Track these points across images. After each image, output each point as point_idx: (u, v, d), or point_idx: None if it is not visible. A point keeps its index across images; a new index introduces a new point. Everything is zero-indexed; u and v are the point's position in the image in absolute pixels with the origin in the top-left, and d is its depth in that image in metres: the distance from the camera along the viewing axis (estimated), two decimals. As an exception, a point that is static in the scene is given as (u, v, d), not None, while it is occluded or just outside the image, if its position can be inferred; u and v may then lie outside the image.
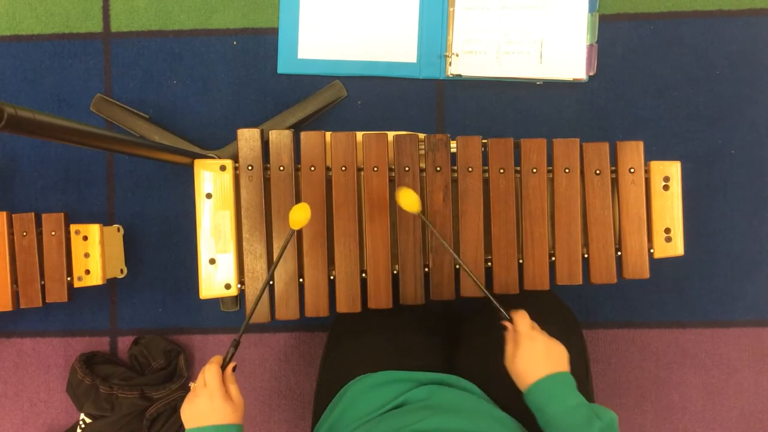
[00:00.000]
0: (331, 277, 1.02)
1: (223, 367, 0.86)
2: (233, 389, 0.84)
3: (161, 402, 1.29)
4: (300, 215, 0.90)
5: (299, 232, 1.01)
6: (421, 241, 1.01)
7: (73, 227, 1.19)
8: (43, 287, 1.19)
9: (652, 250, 1.02)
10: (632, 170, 1.01)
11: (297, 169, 1.02)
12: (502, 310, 0.90)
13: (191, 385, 0.85)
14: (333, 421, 0.91)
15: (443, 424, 0.78)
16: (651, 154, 1.31)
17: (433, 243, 1.01)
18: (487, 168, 1.02)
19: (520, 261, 1.02)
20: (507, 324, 0.89)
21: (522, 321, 0.88)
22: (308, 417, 1.36)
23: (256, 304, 0.91)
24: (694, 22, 1.34)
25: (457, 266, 1.02)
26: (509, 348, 0.87)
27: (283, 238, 1.01)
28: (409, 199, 0.93)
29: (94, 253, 1.18)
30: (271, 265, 1.02)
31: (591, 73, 1.33)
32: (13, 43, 1.39)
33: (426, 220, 0.97)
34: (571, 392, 0.82)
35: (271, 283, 1.02)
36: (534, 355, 0.84)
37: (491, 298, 0.91)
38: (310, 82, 1.36)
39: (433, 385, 0.90)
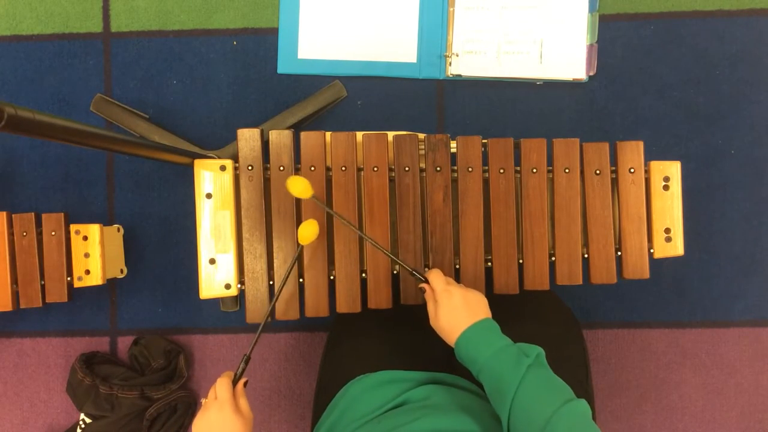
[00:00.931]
0: (331, 277, 1.02)
1: (235, 382, 0.87)
2: (243, 403, 0.85)
3: (161, 402, 1.29)
4: (309, 231, 0.93)
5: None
6: (422, 241, 1.01)
7: (73, 227, 1.19)
8: (43, 287, 1.19)
9: (652, 250, 1.02)
10: (632, 170, 1.01)
11: (297, 169, 1.02)
12: (416, 273, 0.92)
13: (203, 400, 0.86)
14: (333, 421, 0.91)
15: (435, 425, 0.78)
16: (651, 154, 1.30)
17: (433, 243, 1.01)
18: (487, 168, 1.02)
19: (520, 261, 1.02)
20: (425, 286, 0.91)
21: (437, 279, 0.89)
22: (308, 417, 1.36)
23: (265, 322, 0.93)
24: (694, 22, 1.34)
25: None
26: (430, 308, 0.88)
27: (283, 238, 1.01)
28: (299, 186, 0.94)
29: (94, 253, 1.18)
30: (270, 265, 1.02)
31: (591, 73, 1.33)
32: (13, 43, 1.39)
33: (319, 201, 0.98)
34: (496, 336, 0.83)
35: (271, 283, 1.02)
36: (453, 308, 0.85)
37: (403, 264, 0.93)
38: (310, 82, 1.36)
39: (433, 384, 0.90)
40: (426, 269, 1.00)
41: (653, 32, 1.34)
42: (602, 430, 0.79)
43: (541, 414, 0.72)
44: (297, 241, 0.97)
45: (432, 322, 0.88)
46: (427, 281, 0.91)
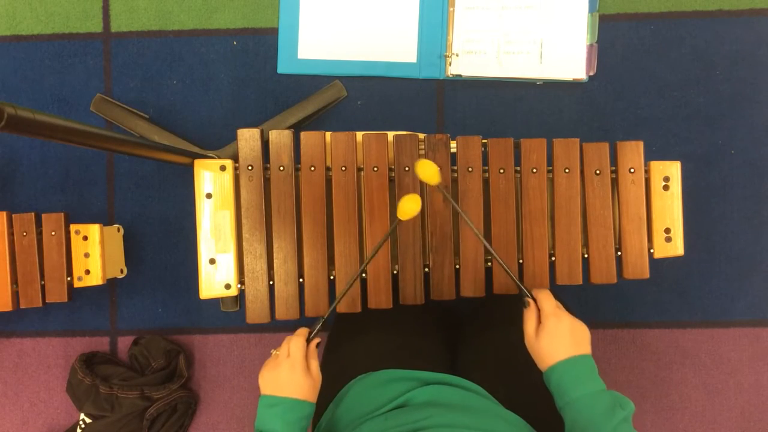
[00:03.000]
0: (331, 277, 1.02)
1: (308, 341, 0.85)
2: (314, 365, 0.84)
3: (161, 402, 1.29)
4: (411, 206, 0.88)
5: (299, 232, 1.02)
6: (421, 241, 1.01)
7: (73, 227, 1.19)
8: (43, 287, 1.19)
9: (652, 250, 1.02)
10: (632, 170, 1.01)
11: (297, 169, 1.02)
12: (524, 288, 0.88)
13: (273, 351, 0.85)
14: (334, 420, 0.91)
15: (452, 421, 0.78)
16: (651, 154, 1.31)
17: (433, 243, 1.01)
18: (487, 168, 1.01)
19: (520, 261, 1.02)
20: (531, 302, 0.87)
21: (547, 300, 0.85)
22: (308, 417, 1.36)
23: (351, 285, 0.92)
24: (694, 22, 1.34)
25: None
26: (529, 326, 0.85)
27: (283, 238, 1.01)
28: (428, 171, 0.90)
29: (94, 253, 1.18)
30: (270, 264, 1.02)
31: (591, 73, 1.33)
32: (13, 43, 1.39)
33: (445, 192, 0.96)
34: (595, 377, 0.81)
35: (271, 283, 1.02)
36: (559, 334, 0.82)
37: (513, 277, 0.90)
38: (310, 82, 1.36)
39: (437, 384, 0.90)
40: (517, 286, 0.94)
41: (653, 32, 1.34)
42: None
43: None
44: (396, 216, 0.91)
45: (528, 341, 0.85)
46: (533, 298, 0.87)
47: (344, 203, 1.01)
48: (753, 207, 1.34)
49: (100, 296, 1.39)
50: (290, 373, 0.82)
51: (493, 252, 0.92)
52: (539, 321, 0.85)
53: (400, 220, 0.90)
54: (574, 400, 0.79)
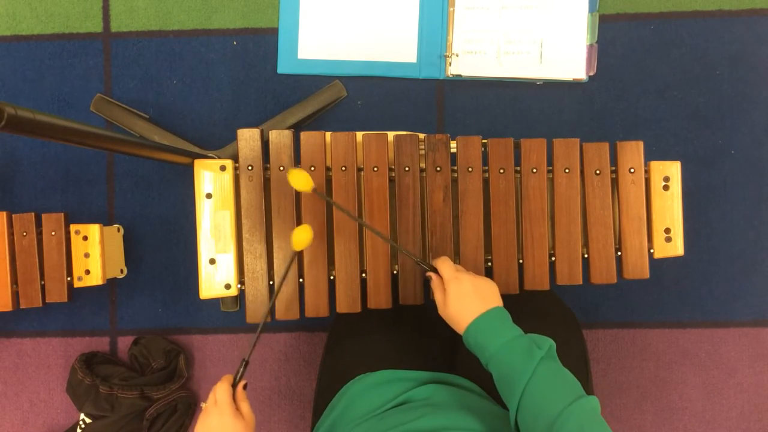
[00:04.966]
0: (331, 277, 1.02)
1: (234, 385, 0.86)
2: (244, 407, 0.85)
3: (161, 402, 1.29)
4: (302, 237, 0.92)
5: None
6: (421, 241, 1.01)
7: (73, 227, 1.19)
8: (43, 287, 1.19)
9: (652, 250, 1.02)
10: (632, 170, 1.01)
11: (297, 169, 1.02)
12: (421, 262, 0.91)
13: (203, 404, 0.86)
14: (333, 420, 0.91)
15: (444, 422, 0.78)
16: (651, 154, 1.31)
17: (433, 243, 1.01)
18: (487, 168, 1.02)
19: (520, 261, 1.02)
20: (431, 275, 0.89)
21: (445, 266, 0.87)
22: (308, 417, 1.36)
23: (262, 326, 0.92)
24: (694, 22, 1.34)
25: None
26: (438, 297, 0.87)
27: (283, 238, 1.01)
28: (299, 179, 0.92)
29: (94, 253, 1.18)
30: (270, 265, 1.02)
31: (591, 73, 1.33)
32: (13, 43, 1.39)
33: (323, 195, 0.97)
34: (508, 325, 0.82)
35: (271, 283, 1.02)
36: (463, 295, 0.84)
37: (408, 253, 0.93)
38: (310, 82, 1.36)
39: (435, 384, 0.90)
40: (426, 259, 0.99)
41: (653, 32, 1.34)
42: (602, 430, 0.79)
43: (552, 409, 0.71)
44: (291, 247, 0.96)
45: (440, 311, 0.87)
46: (434, 270, 0.89)
47: (344, 203, 1.01)
48: (753, 207, 1.34)
49: (100, 296, 1.39)
50: (219, 418, 0.82)
51: (367, 225, 0.97)
52: (444, 289, 0.86)
53: (295, 250, 0.94)
54: (492, 354, 0.79)
